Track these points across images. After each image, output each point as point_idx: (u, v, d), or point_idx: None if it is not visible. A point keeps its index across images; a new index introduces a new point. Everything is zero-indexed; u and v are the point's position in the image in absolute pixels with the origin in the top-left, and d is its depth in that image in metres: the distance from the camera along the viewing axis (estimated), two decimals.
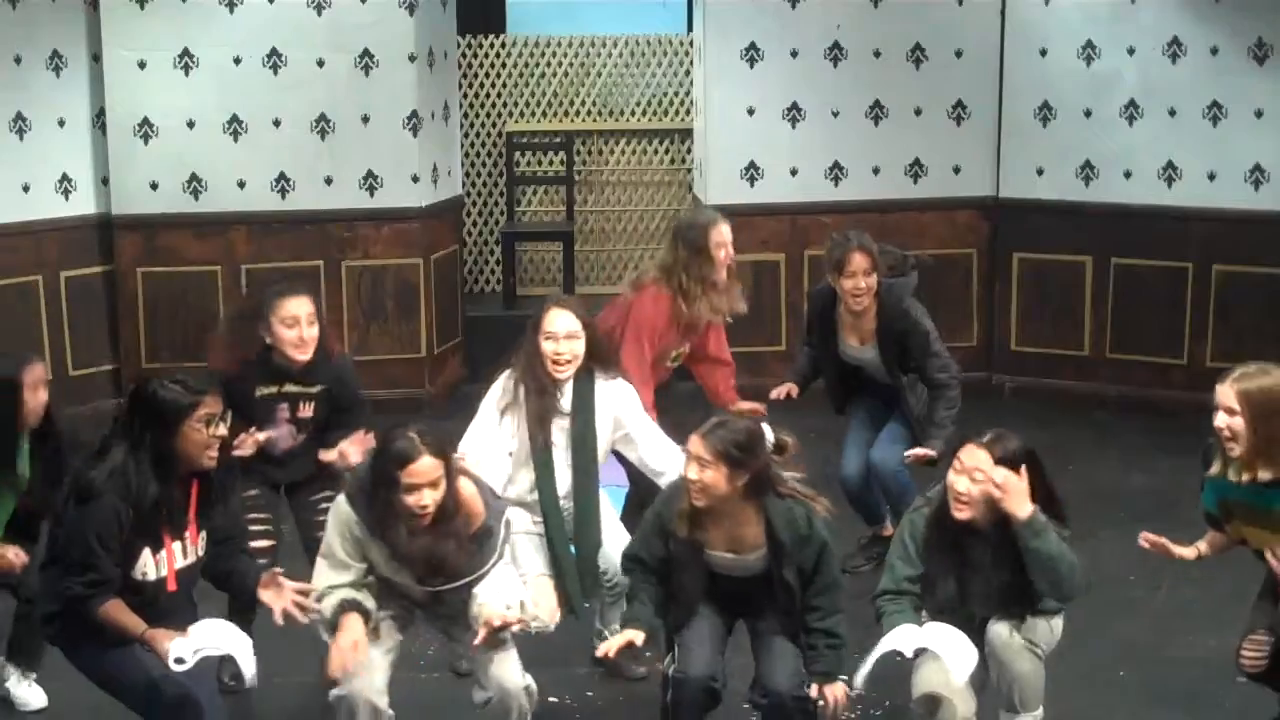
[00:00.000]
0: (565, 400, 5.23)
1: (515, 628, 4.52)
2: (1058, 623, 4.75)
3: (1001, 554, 4.61)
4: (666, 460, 5.27)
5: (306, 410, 5.38)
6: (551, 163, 11.01)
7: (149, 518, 4.17)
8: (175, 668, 4.10)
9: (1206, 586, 6.32)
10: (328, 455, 5.32)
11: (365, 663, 4.40)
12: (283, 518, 5.50)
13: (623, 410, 5.32)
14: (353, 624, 4.33)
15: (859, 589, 6.25)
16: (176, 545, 4.24)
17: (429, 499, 4.30)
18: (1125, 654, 5.72)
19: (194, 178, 8.76)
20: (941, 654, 4.49)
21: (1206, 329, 8.81)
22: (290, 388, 5.36)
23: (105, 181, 8.85)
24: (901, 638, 4.56)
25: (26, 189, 8.55)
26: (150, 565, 4.21)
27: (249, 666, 4.24)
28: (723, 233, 6.14)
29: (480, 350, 9.01)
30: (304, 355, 5.32)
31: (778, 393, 6.38)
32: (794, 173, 9.21)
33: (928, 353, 6.18)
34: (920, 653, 4.54)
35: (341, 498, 4.46)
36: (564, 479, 5.24)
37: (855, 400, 6.58)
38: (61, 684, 5.36)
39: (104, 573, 4.15)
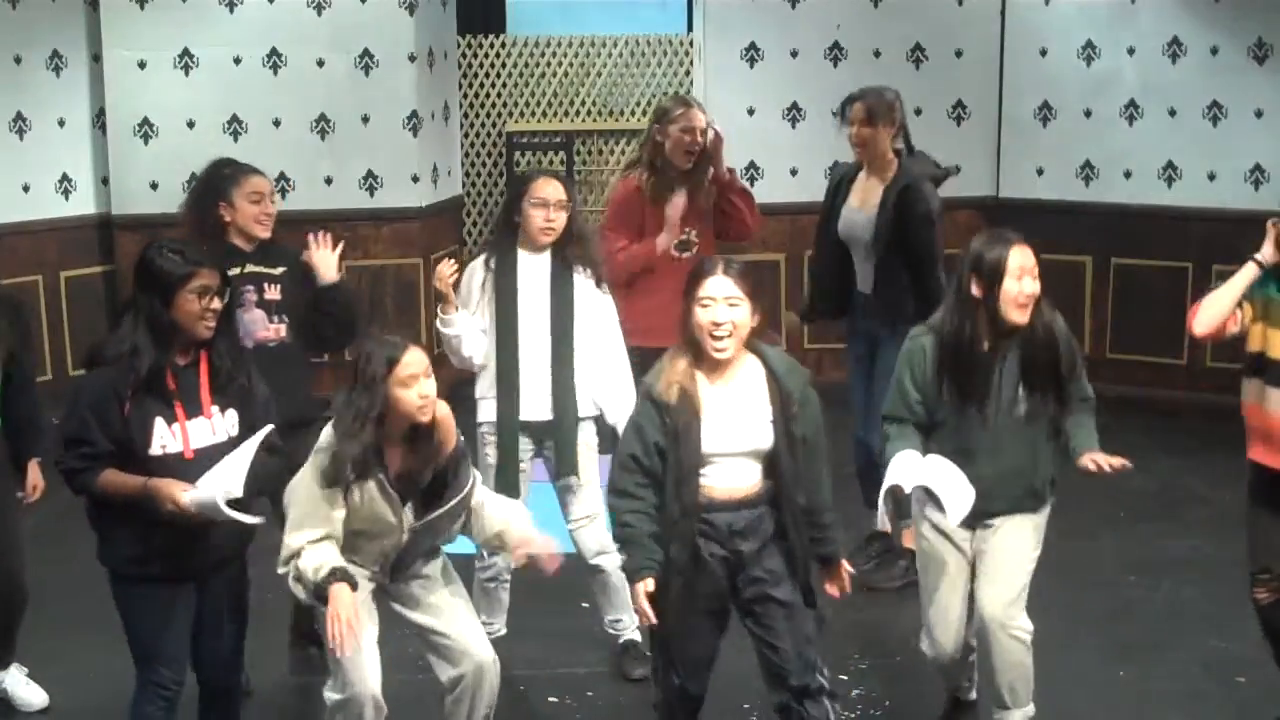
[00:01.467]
0: (544, 271, 5.35)
1: (548, 555, 4.47)
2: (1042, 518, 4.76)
3: (1014, 375, 4.61)
4: (606, 369, 5.39)
5: (273, 292, 5.34)
6: (551, 163, 11.00)
7: (155, 387, 4.13)
8: (226, 509, 4.00)
9: (1206, 586, 6.33)
10: (308, 255, 5.33)
11: (363, 636, 4.32)
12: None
13: (600, 315, 5.41)
14: (343, 594, 4.22)
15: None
16: (194, 422, 4.18)
17: (429, 388, 4.25)
18: (1125, 654, 5.72)
19: (194, 178, 8.68)
20: (939, 493, 4.46)
21: None
22: (251, 268, 5.34)
23: (105, 181, 8.86)
24: (901, 472, 4.51)
25: (26, 189, 8.55)
26: (167, 437, 4.14)
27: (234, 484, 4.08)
28: (688, 118, 6.09)
29: None
30: (266, 232, 5.37)
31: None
32: (794, 173, 9.22)
33: (924, 227, 6.06)
34: (917, 489, 4.52)
35: (326, 439, 4.34)
36: (536, 344, 5.33)
37: (849, 345, 6.46)
38: (62, 684, 5.37)
39: (96, 445, 4.10)
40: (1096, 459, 4.57)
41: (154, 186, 8.79)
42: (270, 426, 4.18)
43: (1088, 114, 9.11)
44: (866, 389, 6.34)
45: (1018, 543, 4.69)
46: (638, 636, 5.56)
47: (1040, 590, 5.31)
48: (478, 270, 5.41)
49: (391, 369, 4.19)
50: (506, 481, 5.35)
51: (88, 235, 8.74)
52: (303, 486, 4.33)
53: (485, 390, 5.42)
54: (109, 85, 8.72)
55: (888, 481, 4.56)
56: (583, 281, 5.39)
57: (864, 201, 6.26)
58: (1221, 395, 8.91)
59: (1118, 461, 4.56)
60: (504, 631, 5.62)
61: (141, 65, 8.70)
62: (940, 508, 4.51)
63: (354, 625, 4.19)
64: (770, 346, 4.39)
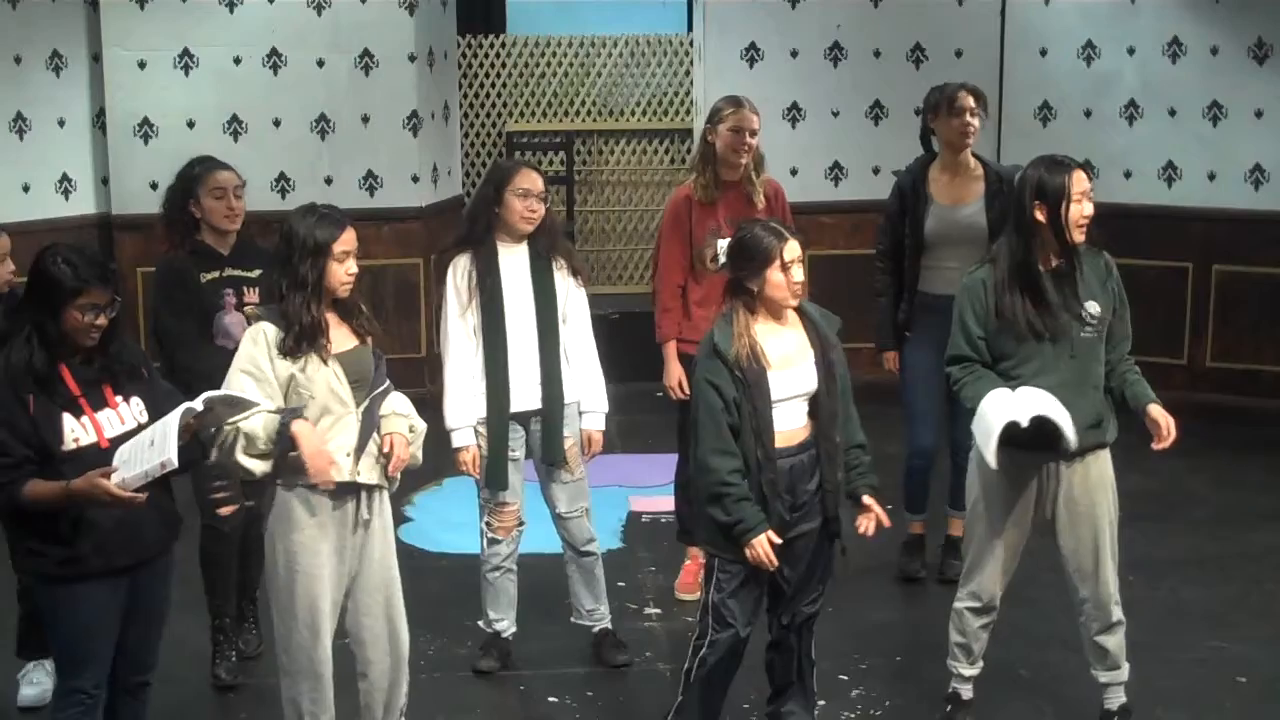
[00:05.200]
0: (523, 262, 5.40)
1: (394, 460, 4.50)
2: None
3: (1075, 296, 4.78)
4: (581, 358, 5.49)
5: (252, 295, 5.35)
6: (551, 163, 11.01)
7: (53, 387, 4.11)
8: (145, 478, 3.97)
9: (1206, 586, 6.33)
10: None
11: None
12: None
13: (574, 306, 5.49)
14: (305, 430, 4.34)
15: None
16: (102, 414, 4.17)
17: (355, 268, 4.47)
18: (1125, 654, 5.72)
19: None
20: (1058, 420, 4.62)
21: (1206, 329, 8.81)
22: (230, 271, 5.39)
23: (105, 181, 8.86)
24: (1011, 409, 4.63)
25: (26, 189, 8.55)
26: (78, 429, 4.12)
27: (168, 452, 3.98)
28: (737, 119, 5.95)
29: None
30: (233, 225, 5.40)
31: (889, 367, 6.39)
32: (794, 173, 9.21)
33: None
34: (1036, 421, 4.62)
35: (258, 324, 4.46)
36: (523, 336, 5.38)
37: (914, 349, 6.25)
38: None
39: (13, 453, 4.04)
40: (1167, 422, 4.89)
41: (154, 186, 8.74)
42: (192, 404, 4.07)
43: (1088, 114, 9.11)
44: (940, 395, 6.06)
45: (1108, 503, 4.99)
46: (610, 625, 5.67)
47: (1040, 589, 5.33)
48: (464, 266, 5.42)
49: (331, 242, 4.41)
50: (498, 473, 5.41)
51: (88, 235, 8.71)
52: (247, 359, 4.43)
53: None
54: (109, 85, 8.72)
55: (1002, 418, 4.62)
56: (559, 271, 5.46)
57: (957, 198, 6.21)
58: (1221, 395, 8.95)
59: (1168, 427, 4.90)
60: (514, 629, 5.63)
61: (141, 65, 8.70)
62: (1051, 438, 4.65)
63: (325, 452, 4.35)
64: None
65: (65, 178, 8.75)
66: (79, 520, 4.09)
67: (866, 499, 4.66)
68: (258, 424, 4.31)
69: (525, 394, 5.41)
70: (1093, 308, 4.79)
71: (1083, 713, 5.13)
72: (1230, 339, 8.69)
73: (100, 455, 4.10)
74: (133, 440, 4.06)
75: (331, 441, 4.43)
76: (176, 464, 3.94)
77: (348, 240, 4.45)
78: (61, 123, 8.70)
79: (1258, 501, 7.41)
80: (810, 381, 4.61)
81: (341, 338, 4.52)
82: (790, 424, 4.58)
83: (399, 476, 4.60)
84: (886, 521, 4.70)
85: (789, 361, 4.59)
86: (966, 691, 5.07)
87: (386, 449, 4.50)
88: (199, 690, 5.48)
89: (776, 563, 4.48)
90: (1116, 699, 5.00)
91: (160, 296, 5.45)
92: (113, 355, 4.23)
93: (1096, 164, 9.06)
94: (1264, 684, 5.42)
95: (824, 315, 4.72)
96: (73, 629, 4.24)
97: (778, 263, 4.57)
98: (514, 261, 5.41)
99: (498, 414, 5.38)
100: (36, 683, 5.38)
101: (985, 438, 4.66)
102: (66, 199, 8.76)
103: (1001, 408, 4.66)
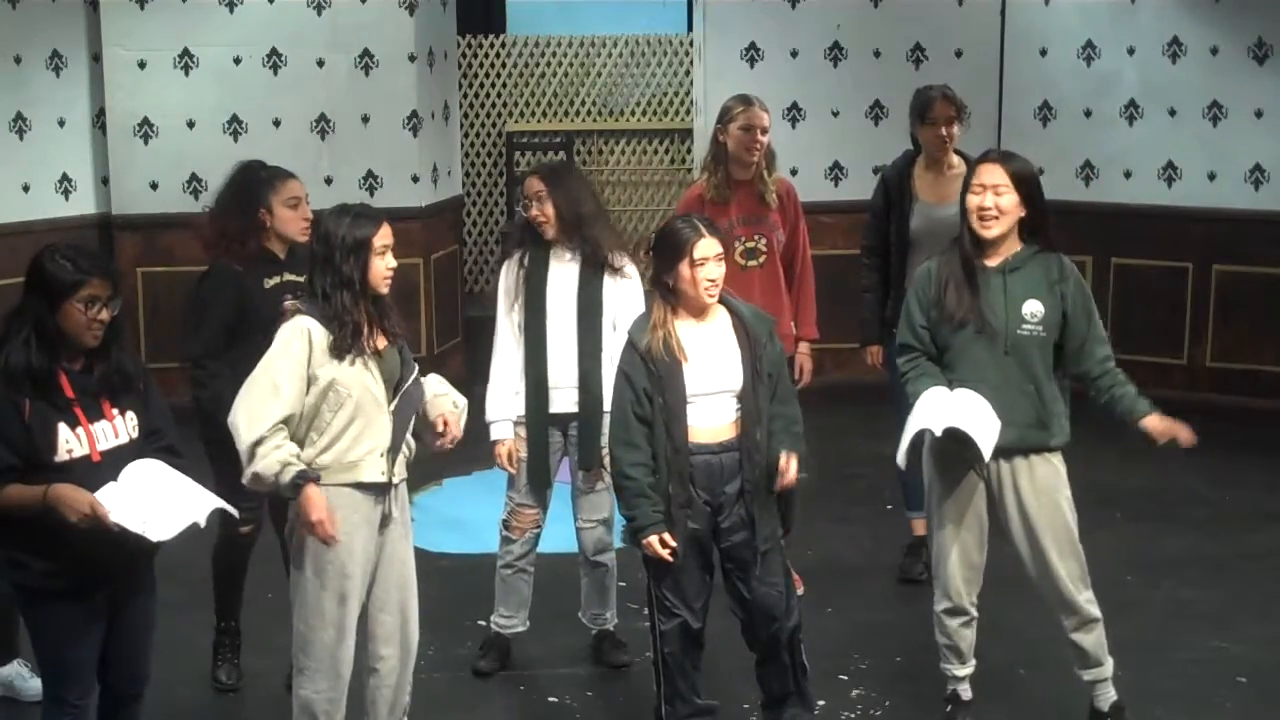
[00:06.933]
0: (573, 266, 5.40)
1: (449, 435, 4.62)
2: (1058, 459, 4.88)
3: (1017, 295, 4.78)
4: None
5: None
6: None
7: (50, 393, 4.06)
8: (124, 523, 3.97)
9: (1206, 587, 6.33)
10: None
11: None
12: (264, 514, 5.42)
13: (625, 306, 5.39)
14: (315, 495, 4.31)
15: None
16: (97, 425, 4.11)
17: (394, 262, 4.49)
18: (1125, 654, 5.71)
19: (194, 178, 8.76)
20: (971, 434, 4.60)
21: (1206, 329, 8.81)
22: (289, 276, 5.27)
23: (105, 181, 8.86)
24: (930, 414, 4.64)
25: (26, 189, 8.56)
26: (72, 440, 4.06)
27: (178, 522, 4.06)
28: (747, 118, 5.93)
29: (480, 350, 8.98)
30: (305, 237, 5.25)
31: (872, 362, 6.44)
32: (794, 173, 9.18)
33: None
34: (949, 432, 4.62)
35: (300, 320, 4.40)
36: (564, 338, 5.38)
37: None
38: None
39: (1, 459, 4.00)
40: (1174, 429, 4.78)
41: (154, 186, 8.79)
42: (198, 520, 4.11)
43: (1088, 114, 9.11)
44: None
45: (1054, 505, 4.82)
46: (612, 627, 5.69)
47: (1037, 589, 5.32)
48: (514, 265, 5.47)
49: (371, 237, 4.40)
50: (537, 474, 5.44)
51: (88, 235, 8.72)
52: (272, 364, 4.37)
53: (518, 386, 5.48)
54: (109, 85, 8.72)
55: (914, 425, 4.66)
56: (610, 270, 5.40)
57: (941, 197, 6.19)
58: (1221, 395, 8.95)
59: (1186, 435, 4.78)
60: (524, 628, 5.63)
61: (141, 65, 8.70)
62: (968, 447, 4.63)
63: (330, 519, 4.31)
64: (735, 298, 4.74)
65: (65, 178, 8.75)
66: (59, 534, 4.01)
67: (783, 460, 4.55)
68: (268, 468, 4.30)
69: (564, 397, 5.41)
70: (1032, 306, 4.78)
71: (1081, 712, 5.13)
72: (1230, 339, 8.69)
73: (91, 468, 4.06)
74: (136, 492, 4.03)
75: (366, 443, 4.44)
76: (154, 540, 4.01)
77: (386, 234, 4.45)
78: (61, 123, 8.70)
79: (1258, 501, 7.42)
80: (735, 379, 4.60)
81: (376, 338, 4.52)
82: (712, 421, 4.59)
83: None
84: (789, 479, 4.59)
85: (710, 357, 4.59)
86: (965, 691, 5.07)
87: (442, 428, 4.59)
88: (199, 692, 5.48)
89: (668, 557, 4.51)
90: (1106, 698, 4.99)
91: (207, 307, 5.26)
92: (113, 363, 4.16)
93: (1096, 164, 9.08)
94: (1264, 684, 5.42)
95: (756, 315, 4.71)
96: (54, 641, 4.20)
97: (688, 259, 4.55)
98: (564, 263, 5.42)
99: (536, 414, 5.40)
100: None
101: (903, 438, 4.71)
102: (66, 199, 8.77)
103: (923, 412, 4.67)
